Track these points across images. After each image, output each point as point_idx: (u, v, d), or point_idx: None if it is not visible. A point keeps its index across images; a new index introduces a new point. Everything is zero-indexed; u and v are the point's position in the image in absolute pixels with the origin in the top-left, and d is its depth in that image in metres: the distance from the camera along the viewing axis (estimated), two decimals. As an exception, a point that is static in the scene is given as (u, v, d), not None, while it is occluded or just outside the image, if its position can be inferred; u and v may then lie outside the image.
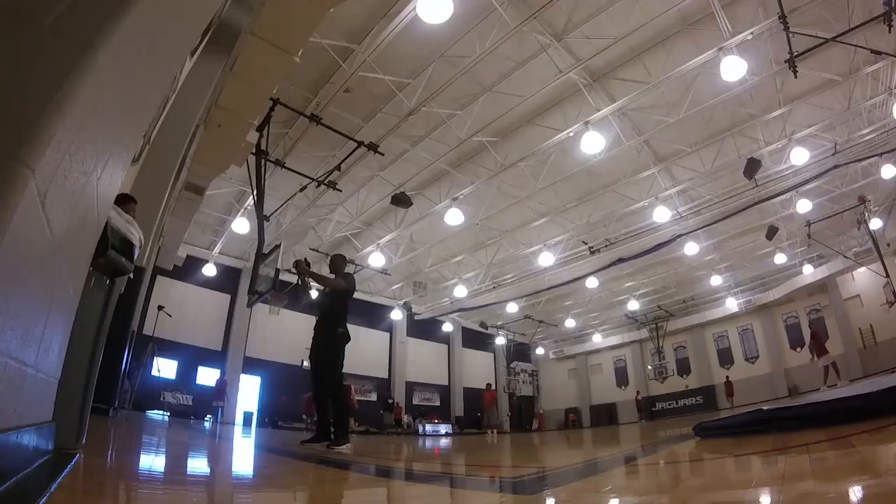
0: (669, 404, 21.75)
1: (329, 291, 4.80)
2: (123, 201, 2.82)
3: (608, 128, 9.73)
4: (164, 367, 12.20)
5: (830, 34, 7.40)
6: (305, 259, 4.92)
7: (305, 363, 16.74)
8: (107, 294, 2.44)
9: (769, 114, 9.88)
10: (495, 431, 15.67)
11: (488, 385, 17.98)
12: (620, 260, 14.74)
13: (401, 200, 10.81)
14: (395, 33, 7.54)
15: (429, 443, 8.15)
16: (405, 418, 18.60)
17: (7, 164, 0.74)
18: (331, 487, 2.03)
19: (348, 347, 4.61)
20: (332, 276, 4.89)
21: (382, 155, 9.98)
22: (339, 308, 4.67)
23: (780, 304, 19.33)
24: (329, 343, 4.52)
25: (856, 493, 1.08)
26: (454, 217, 11.87)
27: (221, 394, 13.85)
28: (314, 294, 5.68)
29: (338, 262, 5.00)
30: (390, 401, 19.11)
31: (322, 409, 4.57)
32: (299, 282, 5.33)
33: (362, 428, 15.54)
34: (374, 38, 7.77)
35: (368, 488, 2.11)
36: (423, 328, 21.48)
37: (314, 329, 4.71)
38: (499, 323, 22.78)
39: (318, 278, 4.90)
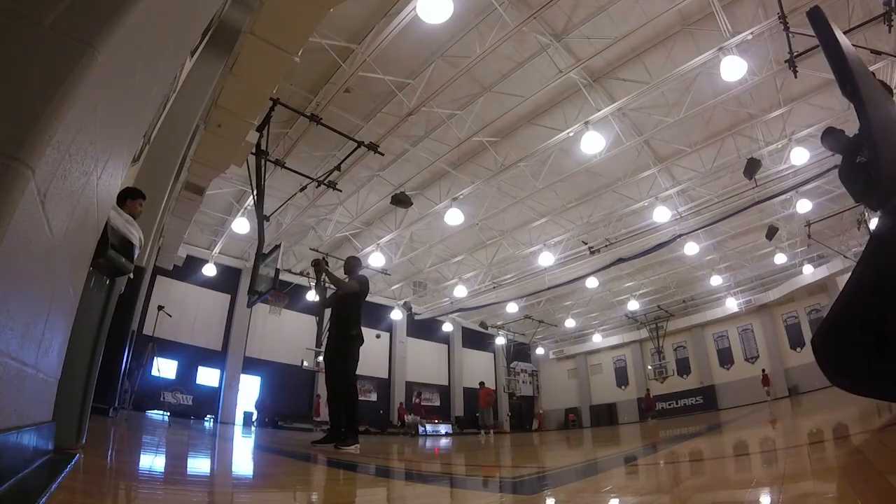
0: (669, 404, 21.75)
1: (342, 293, 4.86)
2: (133, 196, 2.81)
3: (608, 128, 9.73)
4: (164, 367, 12.20)
5: (830, 34, 7.38)
6: (325, 258, 4.99)
7: (306, 363, 16.87)
8: (107, 294, 2.44)
9: (769, 114, 9.87)
10: (491, 432, 15.60)
11: (481, 383, 17.91)
12: (620, 260, 14.75)
13: (401, 200, 10.81)
14: (395, 33, 7.54)
15: (429, 443, 8.15)
16: (408, 419, 18.57)
17: (7, 164, 0.74)
18: (330, 487, 2.02)
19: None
20: (346, 277, 4.98)
21: (382, 155, 9.98)
22: (353, 310, 4.74)
23: (780, 304, 19.33)
24: (343, 344, 4.59)
25: (855, 492, 1.08)
26: (454, 217, 11.87)
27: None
28: (327, 293, 5.76)
29: (353, 264, 5.08)
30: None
31: (336, 409, 4.60)
32: (317, 280, 5.41)
33: (362, 427, 15.55)
34: (374, 38, 7.77)
35: (370, 488, 2.11)
36: (423, 328, 21.47)
37: (328, 331, 4.77)
38: (499, 323, 22.76)
39: (334, 280, 4.98)
